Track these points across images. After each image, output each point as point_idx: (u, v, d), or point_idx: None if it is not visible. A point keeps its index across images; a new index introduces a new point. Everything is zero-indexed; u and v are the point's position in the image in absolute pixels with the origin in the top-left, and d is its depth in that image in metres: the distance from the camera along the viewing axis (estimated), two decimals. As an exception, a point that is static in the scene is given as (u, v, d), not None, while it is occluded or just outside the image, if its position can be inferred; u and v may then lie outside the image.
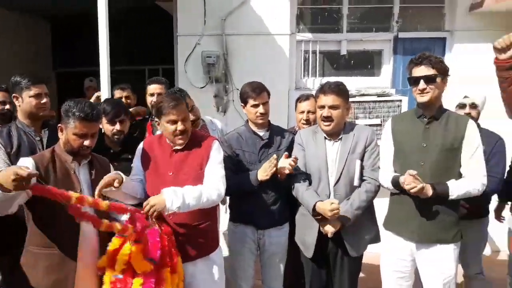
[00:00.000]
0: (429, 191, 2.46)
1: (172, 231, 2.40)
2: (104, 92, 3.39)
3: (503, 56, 2.24)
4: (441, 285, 2.59)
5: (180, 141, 2.49)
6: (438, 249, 2.58)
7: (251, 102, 2.83)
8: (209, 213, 2.56)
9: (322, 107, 2.71)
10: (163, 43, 5.89)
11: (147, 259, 2.17)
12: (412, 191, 2.44)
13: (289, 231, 2.98)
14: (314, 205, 2.66)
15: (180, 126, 2.43)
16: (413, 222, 2.59)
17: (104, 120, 2.87)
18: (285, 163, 2.69)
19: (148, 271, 2.17)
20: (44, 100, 2.72)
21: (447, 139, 2.52)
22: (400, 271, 2.71)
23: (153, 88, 3.57)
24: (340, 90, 2.72)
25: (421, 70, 2.53)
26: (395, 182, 2.58)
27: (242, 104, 2.93)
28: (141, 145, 2.61)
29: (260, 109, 2.82)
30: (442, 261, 2.58)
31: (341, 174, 2.71)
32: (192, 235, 2.49)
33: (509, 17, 4.55)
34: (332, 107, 2.69)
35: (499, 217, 3.55)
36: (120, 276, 2.17)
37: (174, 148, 2.52)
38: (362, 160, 2.73)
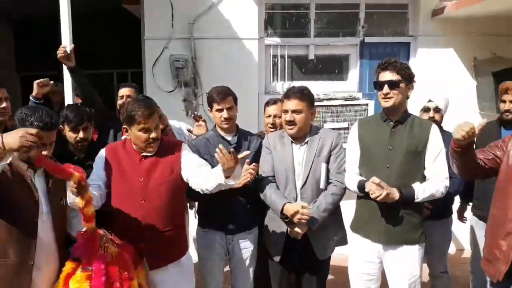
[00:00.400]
0: (396, 195, 2.52)
1: (133, 250, 2.35)
2: (68, 97, 3.31)
3: (463, 143, 2.21)
4: (407, 285, 2.65)
5: (151, 149, 2.47)
6: (404, 250, 2.65)
7: (215, 106, 2.83)
8: (177, 219, 2.56)
9: (286, 111, 2.75)
10: (131, 46, 5.82)
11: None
12: (378, 199, 2.49)
13: (259, 235, 2.98)
14: (282, 207, 2.68)
15: (153, 134, 2.42)
16: (379, 224, 2.64)
17: (66, 128, 2.81)
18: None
19: None
20: (4, 105, 2.64)
21: (411, 142, 2.59)
22: (368, 273, 2.75)
23: (123, 91, 3.56)
24: (304, 95, 2.75)
25: (386, 75, 2.60)
26: (361, 187, 2.63)
27: (209, 109, 2.92)
28: (103, 152, 2.54)
29: (224, 113, 2.81)
30: (407, 261, 2.65)
31: (307, 177, 2.74)
32: (162, 241, 2.47)
33: (469, 23, 4.72)
34: (295, 111, 2.72)
35: (461, 217, 3.67)
36: None
37: (143, 154, 2.50)
38: (328, 163, 2.77)
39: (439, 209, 3.09)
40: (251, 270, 2.96)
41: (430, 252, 3.11)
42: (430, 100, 3.26)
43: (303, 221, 2.63)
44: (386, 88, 2.58)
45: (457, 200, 3.51)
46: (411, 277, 2.65)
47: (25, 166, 2.17)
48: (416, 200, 2.56)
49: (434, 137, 2.61)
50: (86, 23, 5.07)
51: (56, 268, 2.23)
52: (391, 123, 2.66)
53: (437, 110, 3.24)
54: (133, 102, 2.52)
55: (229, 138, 2.89)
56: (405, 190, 2.54)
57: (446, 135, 2.98)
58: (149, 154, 2.49)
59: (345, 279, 2.94)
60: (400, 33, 5.02)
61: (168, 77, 4.59)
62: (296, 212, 2.62)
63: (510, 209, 2.28)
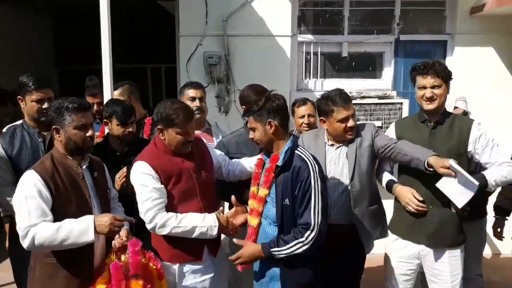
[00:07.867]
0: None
1: (159, 263, 2.36)
2: (107, 91, 3.38)
3: None
4: (450, 287, 2.64)
5: (186, 150, 2.46)
6: (447, 251, 2.63)
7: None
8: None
9: (346, 119, 2.65)
10: (165, 41, 5.89)
11: (132, 276, 2.14)
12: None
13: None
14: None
15: (190, 137, 2.44)
16: (425, 227, 2.62)
17: (114, 122, 2.86)
18: None
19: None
20: (45, 105, 2.65)
21: (452, 144, 2.56)
22: (406, 274, 2.75)
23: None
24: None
25: (428, 80, 2.56)
26: (389, 188, 2.68)
27: (243, 106, 2.91)
28: (145, 166, 2.36)
29: None
30: (451, 263, 2.63)
31: (354, 169, 2.68)
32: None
33: (510, 21, 4.56)
34: (352, 116, 2.69)
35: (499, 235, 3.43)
36: None
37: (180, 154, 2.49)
38: (373, 151, 2.70)
39: (475, 209, 3.02)
40: None
41: (466, 254, 3.03)
42: (455, 107, 3.25)
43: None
44: (429, 92, 2.55)
45: (491, 199, 3.37)
46: (454, 279, 2.64)
47: (74, 163, 2.21)
48: (490, 186, 2.50)
49: (477, 135, 2.55)
50: (121, 18, 5.17)
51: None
52: (430, 123, 2.63)
53: (464, 114, 3.28)
54: (173, 103, 2.43)
55: None
56: (476, 177, 2.42)
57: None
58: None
59: (379, 279, 2.89)
60: (437, 31, 4.90)
61: (201, 73, 4.62)
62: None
63: None
